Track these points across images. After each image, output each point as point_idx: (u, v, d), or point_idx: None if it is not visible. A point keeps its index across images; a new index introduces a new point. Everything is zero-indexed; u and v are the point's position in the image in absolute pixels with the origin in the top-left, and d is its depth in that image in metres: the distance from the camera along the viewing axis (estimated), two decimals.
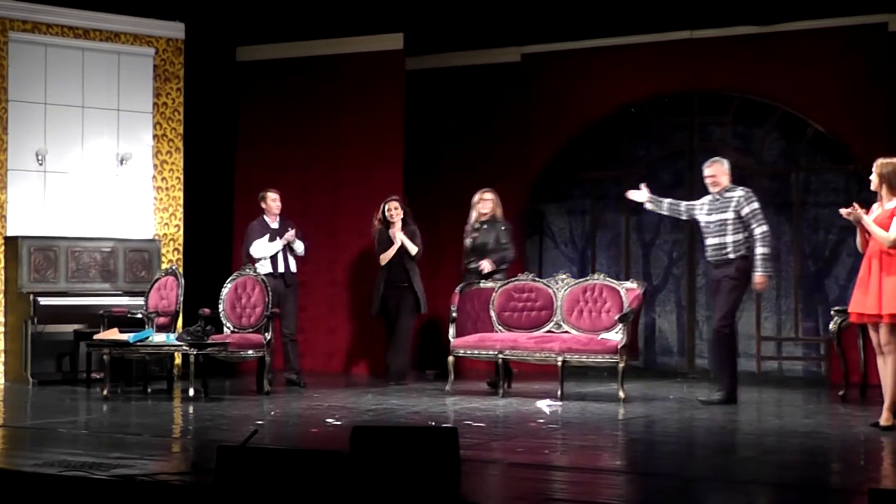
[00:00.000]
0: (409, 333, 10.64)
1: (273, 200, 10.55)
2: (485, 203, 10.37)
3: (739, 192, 9.11)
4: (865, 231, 7.64)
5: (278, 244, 10.34)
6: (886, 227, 7.46)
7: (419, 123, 12.21)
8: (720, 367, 9.18)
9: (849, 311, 7.84)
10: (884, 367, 7.60)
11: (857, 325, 9.30)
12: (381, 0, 11.62)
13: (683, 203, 9.51)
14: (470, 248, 10.37)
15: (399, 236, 10.41)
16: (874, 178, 7.63)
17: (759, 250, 8.94)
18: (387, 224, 10.53)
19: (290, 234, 10.37)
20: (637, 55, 11.66)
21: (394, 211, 10.48)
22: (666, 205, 9.47)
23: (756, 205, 9.05)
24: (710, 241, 9.15)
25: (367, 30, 11.69)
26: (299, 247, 10.50)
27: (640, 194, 9.46)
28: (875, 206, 7.70)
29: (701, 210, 9.27)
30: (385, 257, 10.48)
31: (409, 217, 10.57)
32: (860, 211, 7.60)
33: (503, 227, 10.35)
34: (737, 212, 9.02)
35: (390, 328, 10.58)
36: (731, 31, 11.33)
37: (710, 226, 9.14)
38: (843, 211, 7.69)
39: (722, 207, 9.10)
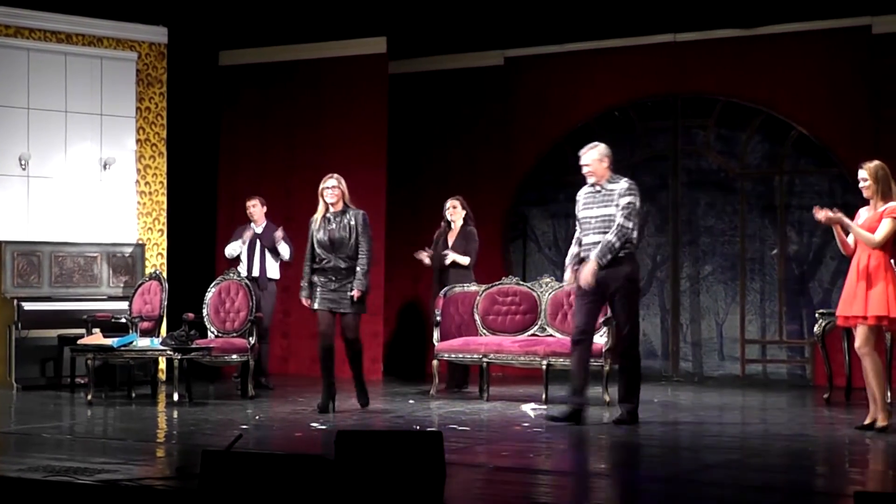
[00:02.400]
0: None
1: (253, 206, 10.60)
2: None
3: (623, 183, 8.03)
4: (842, 233, 7.63)
5: (244, 243, 10.40)
6: (874, 230, 7.46)
7: (402, 127, 12.21)
8: (630, 382, 8.09)
9: (836, 314, 7.81)
10: (869, 366, 7.60)
11: (842, 329, 9.33)
12: (363, 4, 11.61)
13: (575, 241, 8.25)
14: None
15: (451, 256, 10.15)
16: (868, 182, 7.56)
17: (609, 237, 7.84)
18: (448, 224, 10.36)
19: (278, 232, 10.44)
20: (620, 58, 11.68)
21: (452, 210, 10.34)
22: (580, 251, 8.15)
23: (632, 199, 7.95)
24: (591, 238, 7.98)
25: (349, 34, 11.69)
26: (285, 250, 10.50)
27: (569, 277, 8.18)
28: (864, 210, 7.66)
29: (579, 204, 8.17)
30: (421, 257, 10.39)
31: (469, 218, 10.34)
32: (835, 214, 7.56)
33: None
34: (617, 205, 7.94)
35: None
36: (715, 34, 11.35)
37: (592, 222, 8.01)
38: (817, 214, 7.60)
39: (604, 201, 8.01)
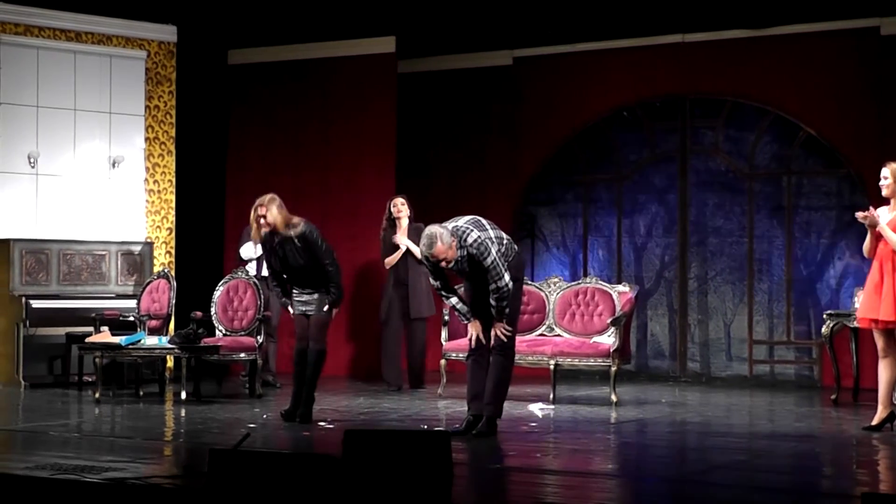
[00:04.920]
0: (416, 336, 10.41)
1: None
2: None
3: (469, 239, 7.26)
4: (876, 236, 7.59)
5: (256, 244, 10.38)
6: None
7: (411, 127, 12.21)
8: (499, 386, 7.56)
9: (859, 316, 7.76)
10: (885, 370, 7.56)
11: (850, 329, 9.32)
12: (372, 3, 11.62)
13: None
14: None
15: (403, 241, 10.21)
16: (889, 181, 7.53)
17: (494, 286, 7.30)
18: (393, 224, 10.39)
19: None
20: (629, 58, 11.66)
21: (400, 207, 10.32)
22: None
23: (492, 254, 7.27)
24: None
25: (358, 33, 11.69)
26: None
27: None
28: (885, 210, 7.62)
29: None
30: (390, 261, 10.28)
31: (412, 217, 10.30)
32: (875, 215, 7.54)
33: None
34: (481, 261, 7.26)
35: (392, 332, 10.34)
36: (723, 34, 11.33)
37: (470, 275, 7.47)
38: (859, 214, 7.60)
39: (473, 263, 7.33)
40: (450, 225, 7.34)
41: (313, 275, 8.03)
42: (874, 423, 7.62)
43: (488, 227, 7.42)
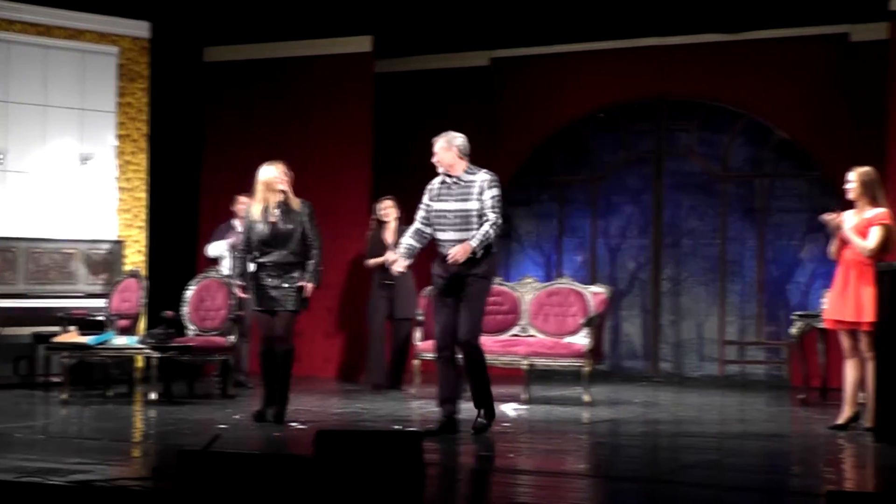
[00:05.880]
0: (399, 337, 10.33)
1: (242, 204, 10.53)
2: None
3: (484, 174, 7.49)
4: (841, 239, 7.66)
5: (230, 248, 10.34)
6: (864, 236, 7.51)
7: (388, 126, 12.18)
8: (480, 385, 7.53)
9: (824, 317, 7.88)
10: (851, 371, 7.66)
11: (818, 330, 9.40)
12: (350, 2, 11.58)
13: (420, 230, 7.62)
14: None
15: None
16: (854, 185, 7.64)
17: (487, 230, 7.28)
18: (381, 225, 10.31)
19: None
20: (606, 61, 11.70)
21: (388, 209, 10.26)
22: (419, 247, 7.66)
23: (498, 191, 7.47)
24: (447, 235, 7.43)
25: (335, 32, 11.65)
26: None
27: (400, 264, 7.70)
28: (850, 213, 7.71)
29: (431, 195, 7.58)
30: (372, 263, 10.21)
31: (401, 218, 10.17)
32: (841, 219, 7.63)
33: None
34: (480, 199, 7.41)
35: (377, 332, 10.27)
36: (699, 38, 11.39)
37: (449, 216, 7.44)
38: (824, 216, 7.71)
39: (463, 195, 7.45)
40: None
41: (291, 249, 7.90)
42: (840, 422, 7.72)
43: None
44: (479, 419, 7.50)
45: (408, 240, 7.61)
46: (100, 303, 10.41)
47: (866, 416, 7.57)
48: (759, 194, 11.41)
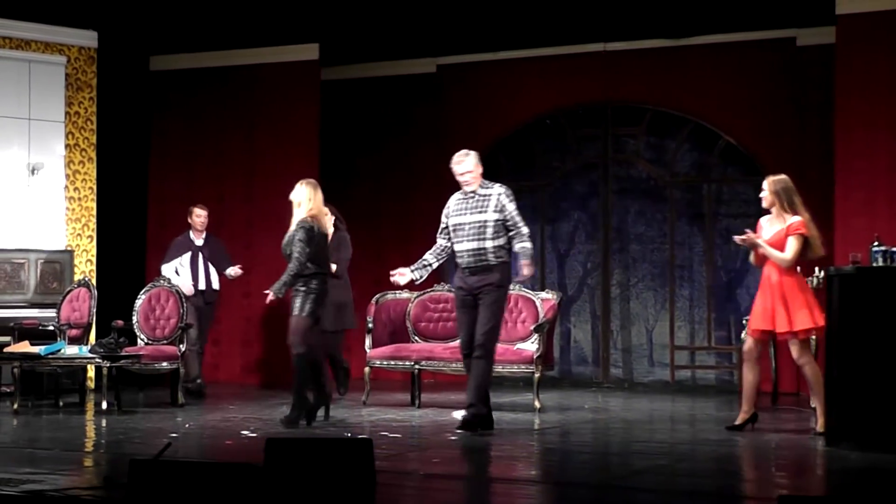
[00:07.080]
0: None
1: (198, 216, 10.57)
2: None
3: (498, 188, 7.93)
4: (757, 253, 7.75)
5: (185, 274, 10.40)
6: (782, 248, 7.60)
7: (335, 134, 12.19)
8: (483, 383, 7.87)
9: (751, 328, 7.85)
10: (750, 373, 7.79)
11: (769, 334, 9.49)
12: (296, 11, 11.58)
13: (439, 244, 8.08)
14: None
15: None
16: (767, 195, 7.72)
17: (528, 244, 7.83)
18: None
19: (234, 269, 10.58)
20: (551, 67, 11.77)
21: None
22: (433, 261, 8.08)
23: (515, 203, 7.92)
24: (465, 245, 7.84)
25: (282, 40, 11.65)
26: (235, 272, 10.54)
27: (404, 275, 8.06)
28: (764, 221, 7.80)
29: (449, 210, 8.04)
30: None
31: (339, 222, 10.13)
32: (754, 236, 7.71)
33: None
34: (498, 212, 7.83)
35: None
36: (644, 44, 11.50)
37: (466, 228, 7.85)
38: (736, 238, 7.80)
39: (479, 207, 7.88)
40: None
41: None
42: (737, 423, 7.86)
43: None
44: (465, 416, 7.83)
45: (426, 255, 8.08)
46: (50, 312, 10.32)
47: (816, 420, 7.65)
48: (706, 199, 11.52)
